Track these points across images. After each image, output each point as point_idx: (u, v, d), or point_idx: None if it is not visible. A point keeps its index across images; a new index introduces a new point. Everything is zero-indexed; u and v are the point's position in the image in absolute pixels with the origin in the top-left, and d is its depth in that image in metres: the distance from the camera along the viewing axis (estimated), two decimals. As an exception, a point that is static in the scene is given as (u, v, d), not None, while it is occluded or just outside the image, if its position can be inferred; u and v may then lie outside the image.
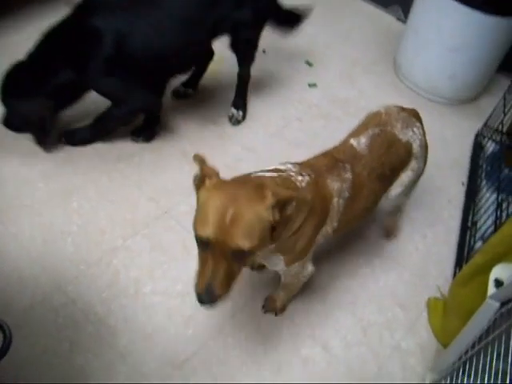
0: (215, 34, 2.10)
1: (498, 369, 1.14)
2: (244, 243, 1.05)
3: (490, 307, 1.24)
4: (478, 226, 1.97)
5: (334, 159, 1.44)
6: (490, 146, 2.44)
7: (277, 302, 1.69)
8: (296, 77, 2.80)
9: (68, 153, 2.17)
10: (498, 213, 1.88)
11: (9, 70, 1.93)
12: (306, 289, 1.76)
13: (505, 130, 2.32)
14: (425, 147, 1.67)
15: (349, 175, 1.43)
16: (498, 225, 1.82)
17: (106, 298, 1.69)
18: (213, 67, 2.54)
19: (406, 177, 1.64)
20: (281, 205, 1.10)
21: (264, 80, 2.71)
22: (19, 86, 1.93)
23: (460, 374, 1.34)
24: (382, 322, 1.76)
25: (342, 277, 1.88)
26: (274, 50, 2.88)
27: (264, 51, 2.82)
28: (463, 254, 1.94)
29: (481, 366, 1.23)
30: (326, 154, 1.49)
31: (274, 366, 1.61)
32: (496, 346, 1.18)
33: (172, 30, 1.93)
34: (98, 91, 2.01)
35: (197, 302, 1.10)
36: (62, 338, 1.58)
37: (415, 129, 1.63)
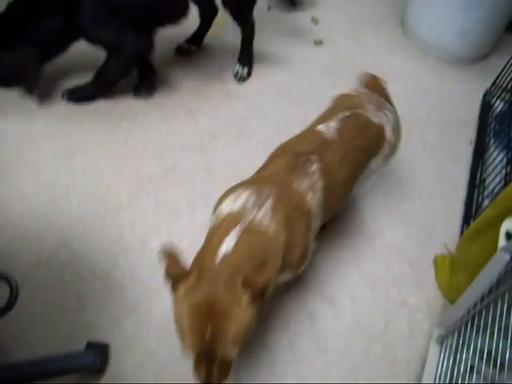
0: None
1: (508, 323, 1.13)
2: (232, 352, 1.01)
3: (500, 260, 1.23)
4: (486, 183, 1.95)
5: (293, 155, 1.35)
6: (499, 105, 2.42)
7: None
8: (302, 34, 2.74)
9: (71, 111, 2.14)
10: (508, 169, 1.86)
11: None
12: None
13: (514, 88, 2.29)
14: (398, 133, 1.60)
15: (315, 167, 1.33)
16: (507, 181, 1.80)
17: (112, 254, 1.69)
18: (217, 25, 2.48)
19: (375, 164, 1.55)
20: (259, 295, 1.03)
21: (269, 37, 2.64)
22: (1, 37, 1.87)
23: (468, 328, 1.35)
24: (389, 278, 1.76)
25: (348, 235, 1.87)
26: (279, 6, 2.80)
27: (269, 8, 2.75)
28: (471, 211, 1.92)
29: (490, 320, 1.23)
30: (283, 153, 1.38)
31: (281, 321, 1.61)
32: (506, 300, 1.17)
33: None
34: (89, 39, 1.96)
35: None
36: (69, 294, 1.58)
37: (388, 112, 1.57)
